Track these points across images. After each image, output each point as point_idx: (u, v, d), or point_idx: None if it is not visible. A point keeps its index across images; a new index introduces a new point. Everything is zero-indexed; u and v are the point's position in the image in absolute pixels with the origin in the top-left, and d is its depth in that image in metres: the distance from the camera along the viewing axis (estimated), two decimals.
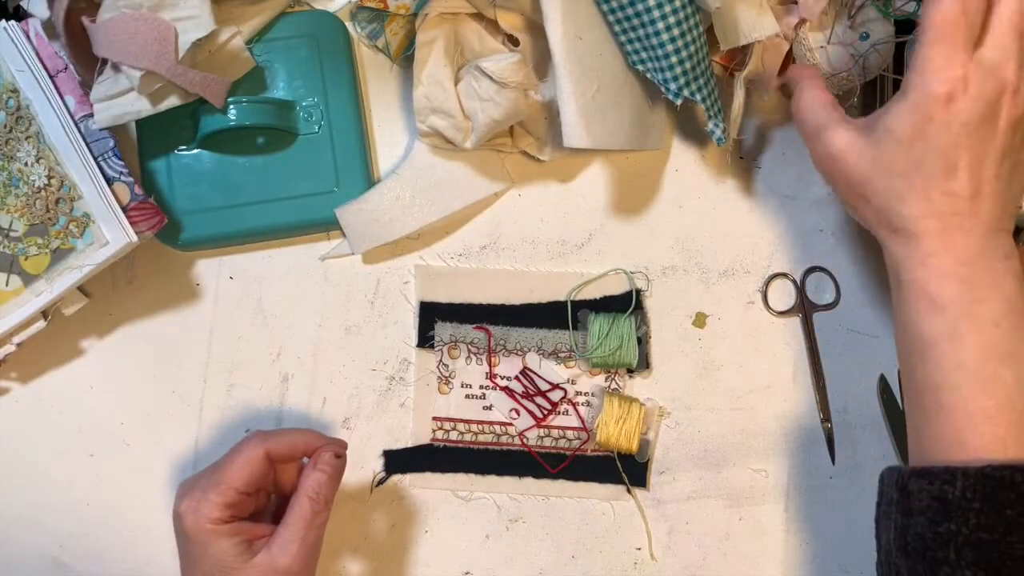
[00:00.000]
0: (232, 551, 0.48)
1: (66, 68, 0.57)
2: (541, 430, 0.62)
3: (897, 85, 0.59)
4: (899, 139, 0.46)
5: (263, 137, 0.61)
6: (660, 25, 0.52)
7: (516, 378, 0.62)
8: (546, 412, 0.62)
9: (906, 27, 0.58)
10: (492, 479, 0.62)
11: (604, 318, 0.61)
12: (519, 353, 0.62)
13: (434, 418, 0.62)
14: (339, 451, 0.53)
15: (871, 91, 0.63)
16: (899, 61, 0.59)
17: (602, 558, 0.62)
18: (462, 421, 0.62)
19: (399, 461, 0.62)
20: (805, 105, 0.51)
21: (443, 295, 0.63)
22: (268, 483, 0.52)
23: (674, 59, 0.53)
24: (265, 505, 0.54)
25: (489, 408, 0.62)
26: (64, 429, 0.62)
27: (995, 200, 0.46)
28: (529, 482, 0.62)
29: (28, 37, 0.57)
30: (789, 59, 0.60)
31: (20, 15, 0.60)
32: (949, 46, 0.44)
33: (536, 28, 0.58)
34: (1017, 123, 0.45)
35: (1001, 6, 0.45)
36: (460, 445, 0.62)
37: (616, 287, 0.63)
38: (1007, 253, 0.46)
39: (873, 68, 0.57)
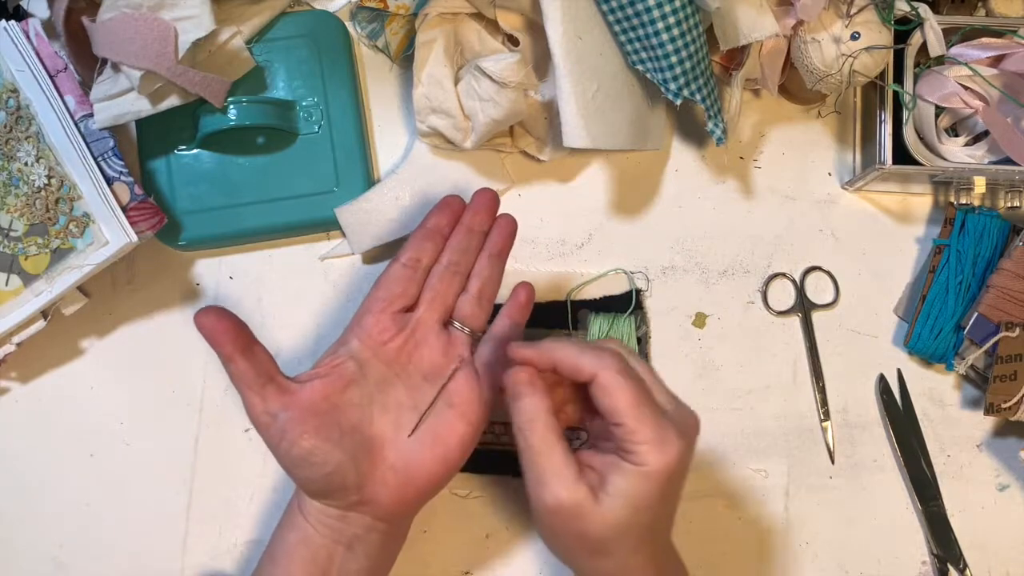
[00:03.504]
0: None
1: (66, 68, 0.57)
2: None
3: (894, 95, 0.59)
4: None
5: (263, 137, 0.61)
6: (660, 25, 0.52)
7: None
8: None
9: (904, 35, 0.58)
10: (492, 479, 0.62)
11: (604, 318, 0.61)
12: None
13: None
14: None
15: (872, 96, 0.63)
16: (898, 69, 0.59)
17: None
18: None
19: None
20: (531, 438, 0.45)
21: None
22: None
23: (674, 59, 0.53)
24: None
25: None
26: (64, 429, 0.62)
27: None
28: None
29: (28, 37, 0.57)
30: (788, 60, 0.60)
31: (20, 15, 0.60)
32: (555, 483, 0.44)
33: (536, 28, 0.58)
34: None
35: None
36: None
37: (616, 287, 0.63)
38: None
39: (866, 70, 0.57)
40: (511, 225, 0.54)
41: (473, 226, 0.53)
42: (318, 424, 0.48)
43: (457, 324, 0.52)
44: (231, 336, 0.47)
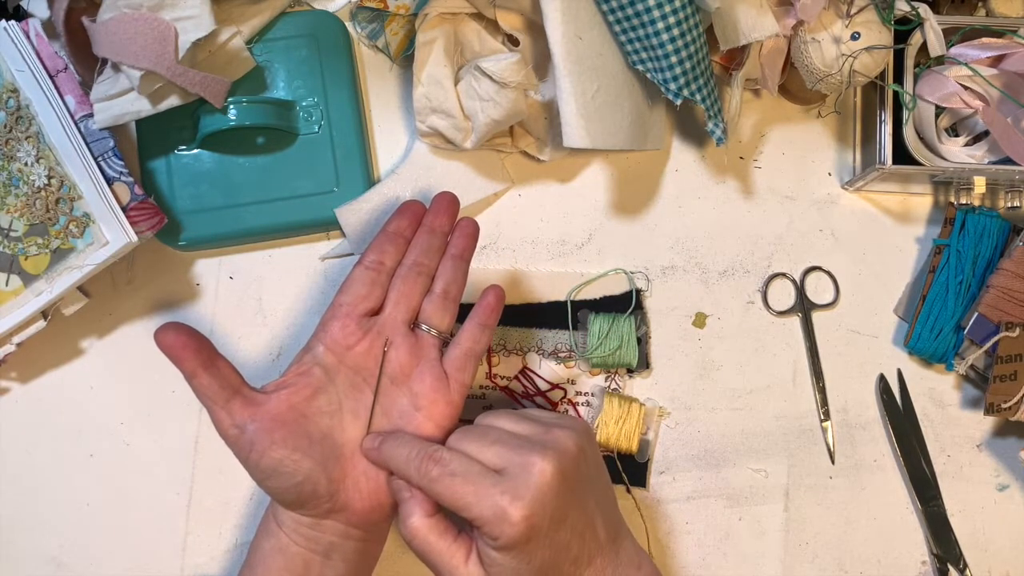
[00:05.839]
0: None
1: (66, 68, 0.57)
2: None
3: (894, 95, 0.59)
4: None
5: (263, 137, 0.61)
6: (660, 25, 0.52)
7: (516, 378, 0.62)
8: None
9: (904, 35, 0.58)
10: None
11: (604, 318, 0.61)
12: (519, 353, 0.62)
13: None
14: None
15: (872, 96, 0.63)
16: (898, 69, 0.60)
17: None
18: (462, 421, 0.62)
19: None
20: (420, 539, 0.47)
21: None
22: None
23: (674, 59, 0.53)
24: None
25: (489, 408, 0.62)
26: (64, 429, 0.62)
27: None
28: None
29: (28, 37, 0.57)
30: (788, 60, 0.60)
31: (20, 15, 0.60)
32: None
33: (536, 28, 0.58)
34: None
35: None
36: None
37: (616, 287, 0.63)
38: None
39: (866, 70, 0.57)
40: (472, 227, 0.54)
41: (434, 227, 0.53)
42: (286, 434, 0.47)
43: (424, 326, 0.52)
44: (192, 351, 0.47)
